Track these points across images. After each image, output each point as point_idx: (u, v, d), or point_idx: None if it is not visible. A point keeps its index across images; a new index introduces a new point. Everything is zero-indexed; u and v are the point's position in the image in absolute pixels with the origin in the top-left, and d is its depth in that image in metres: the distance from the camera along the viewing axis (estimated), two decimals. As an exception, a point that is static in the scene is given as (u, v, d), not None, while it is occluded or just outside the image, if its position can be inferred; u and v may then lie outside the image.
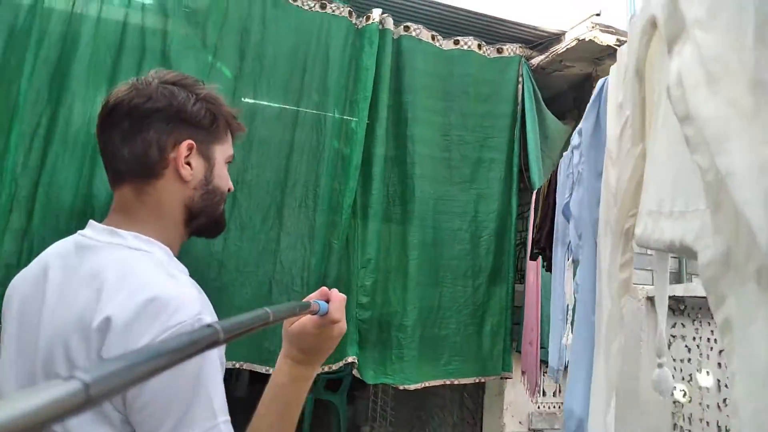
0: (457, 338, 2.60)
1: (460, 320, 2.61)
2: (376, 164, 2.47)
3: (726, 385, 2.83)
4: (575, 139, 1.55)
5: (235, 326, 0.45)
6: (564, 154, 1.80)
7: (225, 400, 0.74)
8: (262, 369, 2.23)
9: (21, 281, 0.85)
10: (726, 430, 2.78)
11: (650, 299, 3.15)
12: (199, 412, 0.69)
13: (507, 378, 2.74)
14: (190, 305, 0.73)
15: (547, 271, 2.14)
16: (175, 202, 0.85)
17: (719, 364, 2.91)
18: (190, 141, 0.84)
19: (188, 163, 0.85)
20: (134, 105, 0.81)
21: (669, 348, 3.42)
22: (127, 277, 0.74)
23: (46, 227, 2.11)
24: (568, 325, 1.79)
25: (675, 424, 3.12)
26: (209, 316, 0.76)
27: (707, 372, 2.89)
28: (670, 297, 3.30)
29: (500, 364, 2.68)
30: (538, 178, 2.74)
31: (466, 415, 3.32)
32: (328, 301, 0.79)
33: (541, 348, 2.61)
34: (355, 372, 2.43)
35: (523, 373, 2.64)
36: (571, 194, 1.58)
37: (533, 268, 2.40)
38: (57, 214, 2.10)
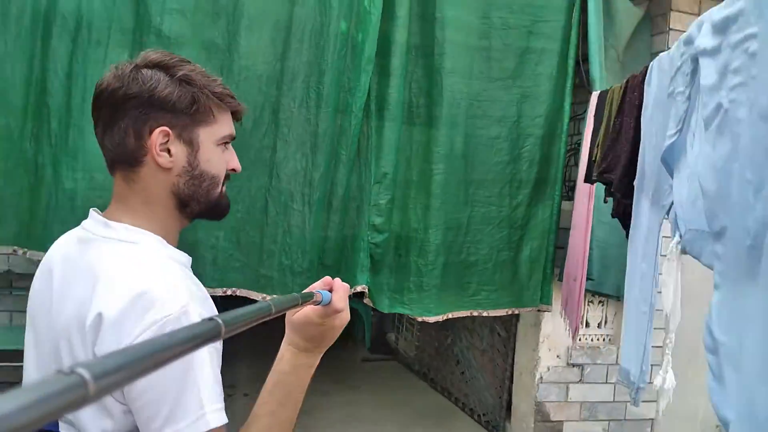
0: (488, 265, 2.23)
1: (492, 244, 2.22)
2: (395, 55, 1.98)
3: None
4: (705, 38, 0.85)
5: (236, 319, 0.45)
6: (661, 56, 1.23)
7: (217, 386, 0.76)
8: (258, 296, 1.94)
9: (36, 276, 0.89)
10: None
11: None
12: (188, 403, 0.72)
13: (545, 311, 2.38)
14: (175, 298, 0.74)
15: (622, 225, 1.57)
16: (160, 189, 0.85)
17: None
18: (164, 128, 0.82)
19: (168, 150, 0.83)
20: (111, 92, 0.81)
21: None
22: (116, 272, 0.77)
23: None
24: (668, 357, 1.13)
25: None
26: (199, 306, 0.77)
27: None
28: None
29: (538, 295, 2.31)
30: (599, 74, 2.21)
31: (496, 343, 3.03)
32: (331, 291, 0.80)
33: (589, 279, 2.23)
34: (367, 301, 2.11)
35: (563, 307, 2.27)
36: (680, 131, 1.00)
37: (585, 192, 1.94)
38: (7, 116, 1.75)
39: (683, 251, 1.03)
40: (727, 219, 0.74)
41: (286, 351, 0.84)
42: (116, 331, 0.72)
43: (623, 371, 1.38)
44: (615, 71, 2.47)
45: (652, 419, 2.82)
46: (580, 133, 2.60)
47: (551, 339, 2.61)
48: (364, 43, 1.90)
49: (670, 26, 2.64)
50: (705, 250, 0.90)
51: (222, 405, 0.76)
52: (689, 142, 0.99)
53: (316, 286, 0.80)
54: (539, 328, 2.61)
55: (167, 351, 0.35)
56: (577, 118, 2.66)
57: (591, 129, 1.87)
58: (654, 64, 1.27)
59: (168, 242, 0.86)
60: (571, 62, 2.26)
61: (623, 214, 1.49)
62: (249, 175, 1.87)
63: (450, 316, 2.21)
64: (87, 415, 0.76)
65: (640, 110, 1.34)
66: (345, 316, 0.82)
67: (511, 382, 2.87)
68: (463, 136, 2.12)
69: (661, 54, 1.23)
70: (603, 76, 2.22)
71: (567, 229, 2.37)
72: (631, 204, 1.38)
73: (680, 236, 1.03)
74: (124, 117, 0.81)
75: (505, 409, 2.90)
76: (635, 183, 1.35)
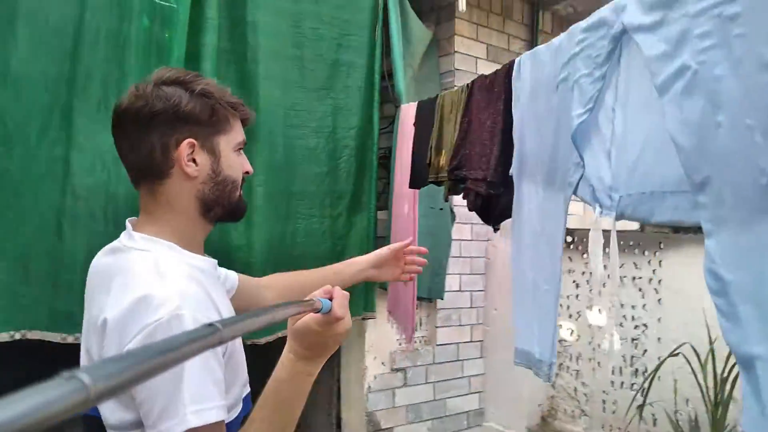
0: (314, 278, 2.18)
1: (318, 257, 2.18)
2: (205, 58, 1.85)
3: (621, 324, 2.78)
4: (635, 17, 0.94)
5: (236, 325, 0.46)
6: (538, 50, 1.32)
7: (203, 387, 0.77)
8: (57, 337, 1.60)
9: None
10: (620, 371, 2.78)
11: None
12: (176, 403, 0.75)
13: (370, 318, 2.41)
14: (170, 302, 0.77)
15: (483, 219, 1.61)
16: (186, 198, 0.92)
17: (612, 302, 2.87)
18: (190, 139, 0.89)
19: (193, 160, 0.90)
20: (135, 110, 0.87)
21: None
22: (125, 278, 0.83)
23: None
24: (611, 321, 1.26)
25: (561, 363, 3.08)
26: (200, 311, 0.80)
27: (599, 310, 2.86)
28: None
29: (362, 304, 2.33)
30: (404, 89, 2.35)
31: (320, 361, 2.97)
32: (331, 299, 0.80)
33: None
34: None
35: (390, 313, 2.33)
36: (590, 110, 1.08)
37: (408, 197, 2.02)
38: None
39: (620, 217, 1.07)
40: (711, 168, 0.80)
41: (285, 359, 0.84)
42: (117, 333, 0.77)
43: (522, 353, 1.38)
44: (411, 89, 2.65)
45: (468, 411, 3.03)
46: (382, 147, 2.72)
47: (376, 347, 2.65)
48: (172, 42, 1.73)
49: (455, 49, 2.94)
50: (660, 208, 0.96)
51: (211, 404, 0.77)
52: (605, 118, 1.08)
53: (316, 294, 0.80)
54: (364, 339, 2.63)
55: (167, 356, 0.36)
56: (382, 133, 2.79)
57: (411, 137, 1.96)
58: (525, 60, 1.36)
59: (189, 248, 0.92)
60: (377, 77, 2.36)
61: (483, 207, 1.55)
62: (36, 192, 1.55)
63: (280, 335, 2.10)
64: (106, 408, 0.81)
65: (507, 104, 1.42)
66: (346, 324, 0.82)
67: (339, 397, 2.84)
68: (282, 146, 2.06)
69: (536, 48, 1.32)
70: (408, 91, 2.37)
71: (382, 238, 2.45)
72: (500, 195, 1.45)
73: (600, 206, 1.09)
74: (150, 133, 0.87)
75: (336, 426, 2.85)
76: (513, 172, 1.41)
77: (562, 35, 1.21)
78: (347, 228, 2.29)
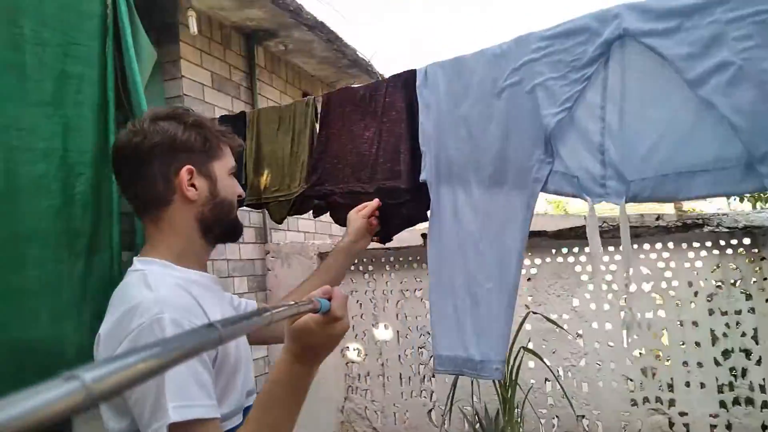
0: (52, 344, 1.73)
1: (54, 310, 1.74)
2: None
3: (407, 336, 2.88)
4: (642, 24, 1.01)
5: (235, 326, 0.46)
6: (465, 59, 1.28)
7: (184, 385, 0.81)
8: None
9: None
10: (408, 381, 2.85)
11: (321, 255, 3.01)
12: (162, 399, 0.79)
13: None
14: (150, 308, 0.85)
15: (383, 236, 1.51)
16: (188, 221, 1.02)
17: (397, 316, 2.94)
18: (189, 166, 1.00)
19: (193, 185, 1.01)
20: (135, 145, 0.98)
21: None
22: (118, 299, 0.92)
23: None
24: (630, 293, 1.24)
25: (350, 386, 3.01)
26: (182, 314, 0.86)
27: (385, 325, 2.90)
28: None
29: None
30: (146, 107, 2.08)
31: None
32: (330, 299, 0.81)
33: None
34: None
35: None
36: (568, 108, 1.11)
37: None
38: None
39: (632, 199, 1.10)
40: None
41: (282, 361, 0.84)
42: (108, 344, 0.86)
43: (446, 359, 1.31)
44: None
45: None
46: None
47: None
48: None
49: (182, 74, 2.75)
50: (689, 186, 1.02)
51: (194, 402, 0.79)
52: (589, 115, 1.12)
53: (315, 295, 0.80)
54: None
55: (166, 356, 0.35)
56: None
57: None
58: (434, 68, 1.33)
59: (187, 266, 1.01)
60: (111, 93, 2.04)
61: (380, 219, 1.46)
62: None
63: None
64: (102, 411, 0.87)
65: (410, 112, 1.38)
66: (345, 324, 0.83)
67: None
68: (2, 173, 1.59)
69: (456, 57, 1.30)
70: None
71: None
72: (401, 204, 1.39)
73: (589, 195, 1.13)
74: (151, 164, 0.99)
75: None
76: (427, 177, 1.35)
77: (506, 43, 1.24)
78: (87, 272, 1.89)
